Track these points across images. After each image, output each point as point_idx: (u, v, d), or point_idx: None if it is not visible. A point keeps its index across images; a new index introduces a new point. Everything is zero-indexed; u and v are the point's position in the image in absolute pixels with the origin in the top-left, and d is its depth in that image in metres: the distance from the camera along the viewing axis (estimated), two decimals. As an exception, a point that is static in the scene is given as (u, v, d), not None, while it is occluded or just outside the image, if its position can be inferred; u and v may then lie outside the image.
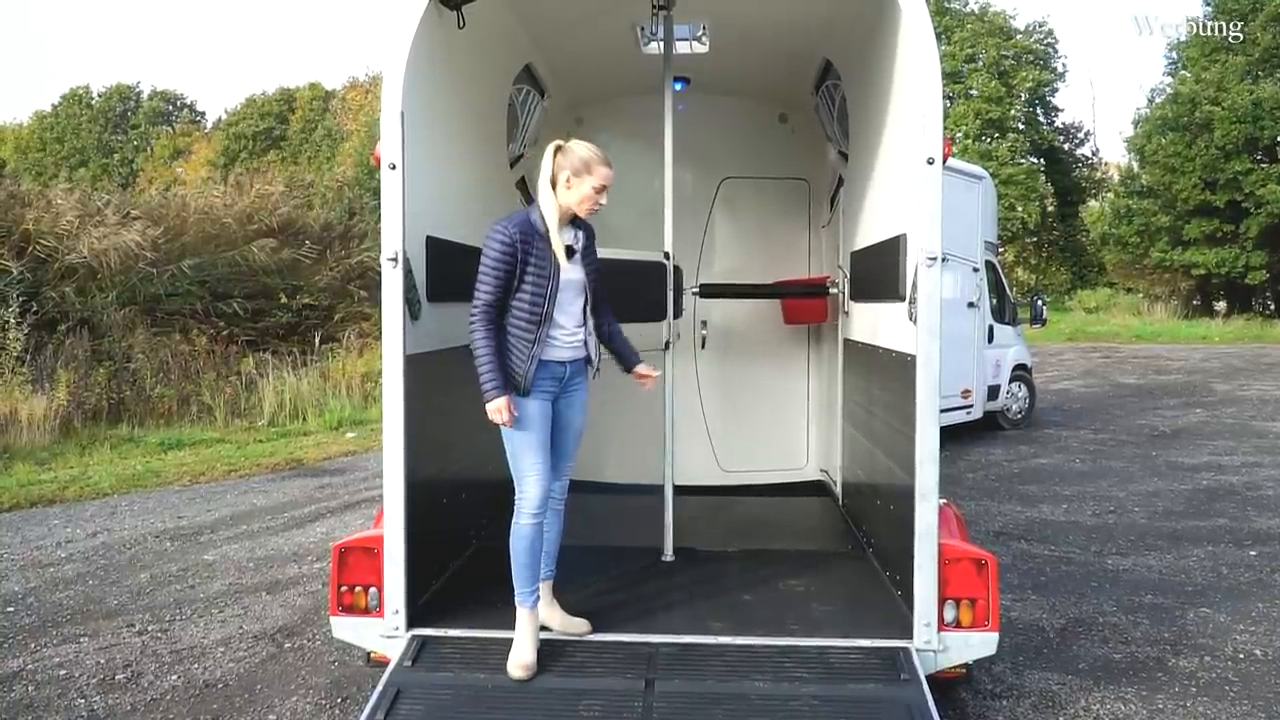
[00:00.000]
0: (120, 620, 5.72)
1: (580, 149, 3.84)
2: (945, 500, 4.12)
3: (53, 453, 10.95)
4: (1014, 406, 12.75)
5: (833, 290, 6.18)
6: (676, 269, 5.19)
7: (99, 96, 63.60)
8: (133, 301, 14.81)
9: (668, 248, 5.07)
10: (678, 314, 5.26)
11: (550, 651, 3.82)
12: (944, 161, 3.79)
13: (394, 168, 3.88)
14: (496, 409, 3.72)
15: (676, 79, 5.57)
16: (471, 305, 3.77)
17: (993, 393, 12.06)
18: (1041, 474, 9.79)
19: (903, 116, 4.20)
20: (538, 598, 3.92)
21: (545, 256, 3.79)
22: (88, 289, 14.48)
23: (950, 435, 11.26)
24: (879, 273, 4.64)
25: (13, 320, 12.61)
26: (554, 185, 3.82)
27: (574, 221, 3.96)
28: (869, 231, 5.02)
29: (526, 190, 6.11)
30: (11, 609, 5.94)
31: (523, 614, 3.84)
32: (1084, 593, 6.02)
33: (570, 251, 3.88)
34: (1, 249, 14.00)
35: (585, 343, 3.98)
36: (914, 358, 3.83)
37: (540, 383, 3.84)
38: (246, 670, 4.97)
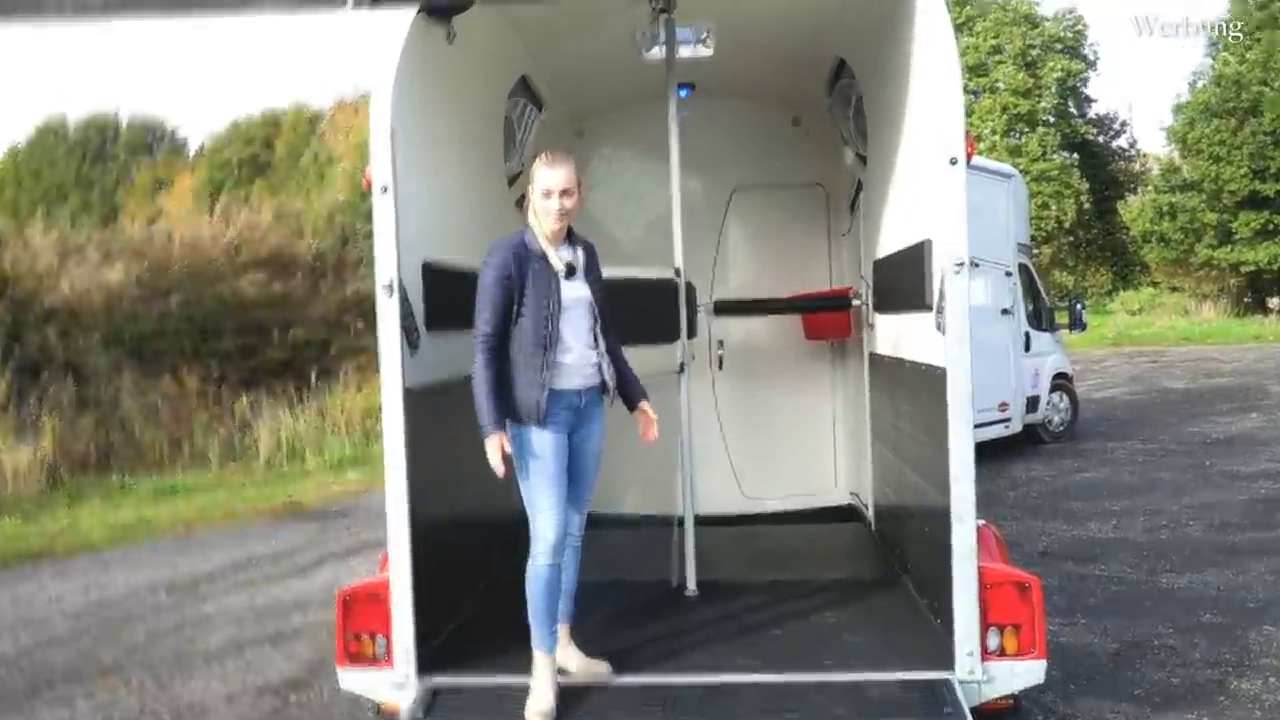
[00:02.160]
0: (117, 678, 5.77)
1: (534, 163, 3.91)
2: (984, 521, 4.13)
3: (40, 505, 11.05)
4: (1055, 418, 12.73)
5: (855, 302, 6.21)
6: (689, 286, 5.21)
7: (76, 129, 64.22)
8: (119, 343, 14.95)
9: (679, 263, 5.10)
10: (691, 334, 5.30)
11: (570, 697, 3.84)
12: (968, 161, 3.82)
13: (386, 190, 3.94)
14: (491, 450, 3.73)
15: (681, 85, 5.57)
16: (473, 336, 3.83)
17: (1032, 404, 12.03)
18: (1087, 489, 9.78)
19: (922, 116, 4.24)
20: (555, 641, 3.95)
21: (543, 275, 3.83)
22: (71, 331, 14.64)
23: (988, 451, 11.20)
24: (903, 282, 4.66)
25: (-7, 367, 12.75)
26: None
27: (570, 239, 4.00)
28: (891, 239, 5.04)
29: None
30: (2, 671, 6.01)
31: (540, 658, 3.86)
32: (1137, 614, 6.01)
33: (571, 269, 3.92)
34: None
35: (600, 367, 3.98)
36: (944, 370, 3.85)
37: (554, 413, 3.85)
38: (251, 727, 5.02)
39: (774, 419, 7.08)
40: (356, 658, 4.06)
